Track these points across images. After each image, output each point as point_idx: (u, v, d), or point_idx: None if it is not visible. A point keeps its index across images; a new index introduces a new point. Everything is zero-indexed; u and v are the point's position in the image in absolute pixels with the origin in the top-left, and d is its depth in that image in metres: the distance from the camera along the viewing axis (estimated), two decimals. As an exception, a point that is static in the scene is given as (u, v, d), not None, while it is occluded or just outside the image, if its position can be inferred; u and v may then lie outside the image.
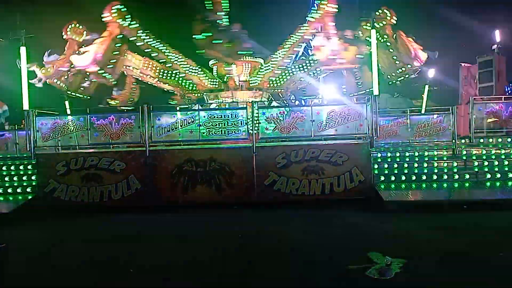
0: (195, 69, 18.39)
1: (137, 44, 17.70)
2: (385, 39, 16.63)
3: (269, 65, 18.48)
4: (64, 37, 16.76)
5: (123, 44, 17.17)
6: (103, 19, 16.83)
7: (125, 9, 16.98)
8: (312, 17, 17.57)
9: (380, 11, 16.73)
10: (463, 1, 26.41)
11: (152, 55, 18.08)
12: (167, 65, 18.44)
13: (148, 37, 17.63)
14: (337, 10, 16.97)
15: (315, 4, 18.13)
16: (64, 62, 16.32)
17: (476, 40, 24.30)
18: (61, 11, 20.39)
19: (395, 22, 16.83)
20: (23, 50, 12.71)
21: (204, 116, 11.70)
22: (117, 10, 16.72)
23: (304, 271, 5.92)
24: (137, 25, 17.34)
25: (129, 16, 17.02)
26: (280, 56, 18.21)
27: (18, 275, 6.25)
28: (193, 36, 17.38)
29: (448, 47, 24.89)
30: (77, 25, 16.74)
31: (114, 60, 16.69)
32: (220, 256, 6.85)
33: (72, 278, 6.04)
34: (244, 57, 18.57)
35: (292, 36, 18.12)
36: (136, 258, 6.83)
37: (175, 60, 18.13)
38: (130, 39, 17.46)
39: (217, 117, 11.67)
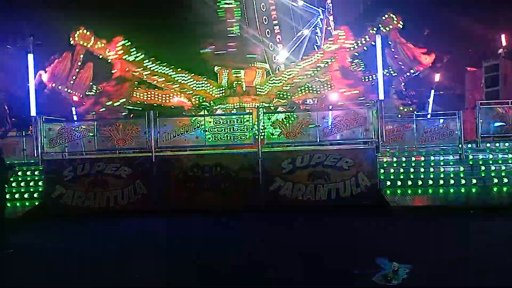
0: (201, 83, 18.46)
1: (145, 74, 17.82)
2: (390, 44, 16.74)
3: (280, 79, 18.57)
4: (71, 43, 16.94)
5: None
6: (108, 58, 17.07)
7: (129, 43, 17.16)
8: (328, 47, 17.70)
9: (386, 15, 16.83)
10: (469, 6, 26.33)
11: (159, 80, 18.19)
12: (174, 86, 18.51)
13: (153, 64, 17.73)
14: (351, 47, 17.17)
15: (331, 34, 18.47)
16: (65, 66, 16.55)
17: (482, 44, 24.23)
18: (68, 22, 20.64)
19: (401, 26, 16.90)
20: (30, 57, 12.83)
21: (210, 122, 11.73)
22: (122, 46, 16.92)
23: (310, 277, 5.91)
24: (142, 56, 17.48)
25: (134, 49, 17.21)
26: (292, 73, 18.33)
27: (25, 280, 6.29)
28: (200, 51, 17.58)
29: (454, 52, 24.85)
30: (85, 31, 16.92)
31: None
32: (224, 260, 6.84)
33: (79, 283, 6.06)
34: (256, 63, 18.71)
35: (307, 59, 18.33)
36: (143, 262, 6.85)
37: (182, 80, 18.22)
38: (136, 70, 17.59)
39: (223, 123, 11.71)
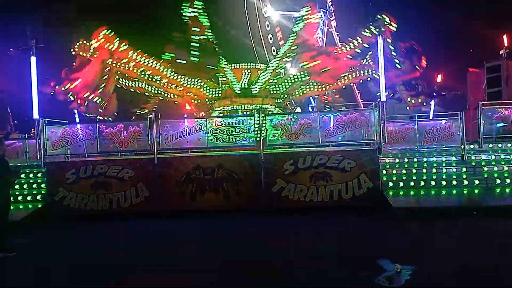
0: (193, 81, 18.28)
1: (129, 65, 17.64)
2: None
3: (265, 73, 18.45)
4: (73, 53, 17.00)
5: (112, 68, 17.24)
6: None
7: (113, 33, 17.08)
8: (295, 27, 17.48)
9: (378, 16, 16.75)
10: (471, 6, 26.35)
11: (147, 73, 18.02)
12: (162, 81, 18.35)
13: (140, 56, 17.59)
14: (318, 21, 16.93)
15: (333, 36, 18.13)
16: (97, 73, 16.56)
17: (484, 45, 24.22)
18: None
19: (395, 29, 16.75)
20: (33, 60, 12.87)
21: (212, 124, 11.75)
22: (104, 35, 16.81)
23: (313, 278, 5.90)
24: (127, 46, 17.38)
25: (117, 39, 17.06)
26: (274, 63, 18.14)
27: (29, 282, 6.30)
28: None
29: (456, 52, 24.85)
30: (85, 41, 16.98)
31: (103, 84, 16.77)
32: (228, 262, 6.84)
33: (83, 286, 6.07)
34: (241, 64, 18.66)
35: (284, 45, 18.04)
36: (143, 264, 6.85)
37: (171, 76, 18.02)
38: (123, 61, 17.45)
39: (224, 125, 11.73)
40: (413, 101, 17.26)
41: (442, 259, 6.53)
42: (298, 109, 20.28)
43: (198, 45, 16.69)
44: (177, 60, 16.84)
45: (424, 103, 17.38)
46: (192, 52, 16.60)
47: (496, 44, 21.75)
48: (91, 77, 16.26)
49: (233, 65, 18.74)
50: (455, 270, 6.02)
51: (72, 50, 16.74)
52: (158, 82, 17.86)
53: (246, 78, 18.47)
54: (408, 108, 16.75)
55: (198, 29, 16.79)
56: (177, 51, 16.95)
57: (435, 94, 18.94)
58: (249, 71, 18.83)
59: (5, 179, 7.88)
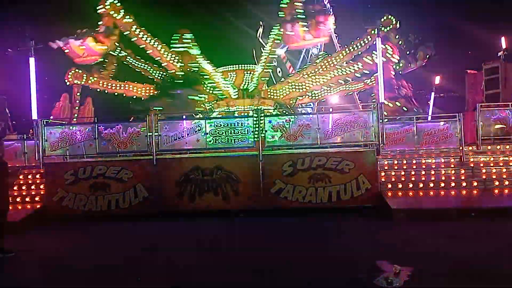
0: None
1: (132, 39, 17.80)
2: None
3: (294, 86, 18.56)
4: (67, 84, 17.54)
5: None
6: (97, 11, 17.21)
7: (119, 3, 17.33)
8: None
9: (385, 17, 16.94)
10: (469, 8, 26.43)
11: (148, 52, 18.11)
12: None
13: (143, 34, 17.72)
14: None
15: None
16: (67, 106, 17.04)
17: (482, 47, 24.28)
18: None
19: (398, 26, 17.01)
20: (32, 61, 12.86)
21: (211, 125, 11.77)
22: (111, 4, 17.13)
23: (312, 280, 5.91)
24: (131, 19, 17.54)
25: (123, 10, 17.38)
26: (264, 57, 18.21)
27: (27, 283, 6.30)
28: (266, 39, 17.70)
29: (454, 54, 24.91)
30: (78, 70, 17.45)
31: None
32: (227, 263, 6.85)
33: (80, 286, 6.07)
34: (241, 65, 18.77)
35: (269, 39, 18.09)
36: (143, 266, 6.85)
37: (171, 60, 18.06)
38: (124, 33, 17.63)
39: (223, 126, 11.73)
40: (390, 104, 17.03)
41: (441, 260, 6.55)
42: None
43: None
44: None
45: (405, 108, 17.28)
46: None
47: (494, 46, 21.81)
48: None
49: (225, 67, 18.84)
50: (453, 271, 6.04)
51: (66, 81, 17.37)
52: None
53: (233, 80, 18.62)
54: (385, 113, 16.64)
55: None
56: None
57: (414, 100, 18.48)
58: (234, 73, 18.98)
59: (4, 181, 7.88)
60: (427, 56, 17.16)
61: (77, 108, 18.18)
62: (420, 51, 17.07)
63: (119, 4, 17.38)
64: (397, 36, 17.29)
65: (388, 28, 16.96)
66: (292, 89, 18.58)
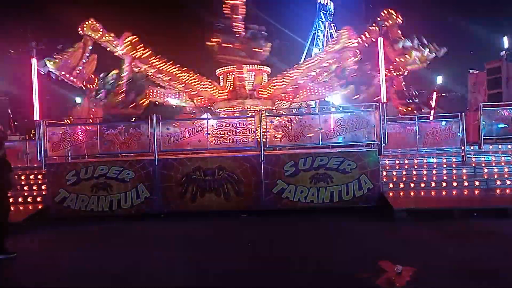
0: (205, 84, 18.43)
1: (150, 72, 17.85)
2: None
3: (282, 81, 18.51)
4: (80, 33, 17.04)
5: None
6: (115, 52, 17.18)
7: (137, 38, 17.23)
8: (331, 47, 17.65)
9: (384, 12, 16.86)
10: (471, 8, 26.39)
11: (165, 78, 18.22)
12: (178, 85, 18.49)
13: (160, 61, 17.77)
14: (356, 44, 17.15)
15: (333, 36, 18.40)
16: (75, 57, 16.59)
17: (484, 47, 24.25)
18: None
19: (401, 21, 16.92)
20: (34, 62, 12.90)
21: (213, 125, 11.77)
22: (130, 41, 16.99)
23: (314, 280, 5.91)
24: (149, 52, 17.56)
25: (141, 45, 17.27)
26: (294, 75, 18.29)
27: (29, 283, 6.31)
28: (206, 43, 17.51)
29: (457, 54, 24.87)
30: (94, 22, 17.03)
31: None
32: (229, 265, 6.84)
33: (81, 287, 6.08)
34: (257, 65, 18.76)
35: (310, 60, 18.30)
36: (144, 267, 6.85)
37: (187, 80, 18.20)
38: (143, 67, 17.66)
39: (225, 126, 11.74)
40: (404, 110, 17.51)
41: (443, 260, 6.54)
42: None
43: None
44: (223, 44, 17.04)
45: (415, 112, 17.40)
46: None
47: (496, 45, 21.79)
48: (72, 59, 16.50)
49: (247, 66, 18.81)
50: (455, 271, 6.03)
51: (79, 29, 16.87)
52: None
53: (264, 80, 18.65)
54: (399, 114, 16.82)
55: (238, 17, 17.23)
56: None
57: (422, 106, 18.88)
58: (253, 72, 18.97)
59: (6, 179, 7.90)
60: (426, 58, 17.09)
61: (83, 61, 17.51)
62: (419, 52, 16.99)
63: (136, 38, 17.24)
64: (399, 31, 17.15)
65: (389, 23, 16.81)
66: (282, 84, 18.57)
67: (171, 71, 17.96)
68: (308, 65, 18.38)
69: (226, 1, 17.73)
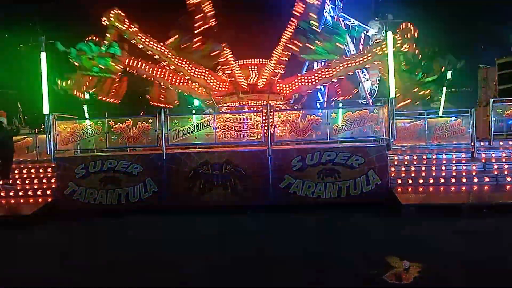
0: (200, 72, 18.32)
1: (140, 46, 17.86)
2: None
3: (270, 64, 18.45)
4: (105, 23, 17.12)
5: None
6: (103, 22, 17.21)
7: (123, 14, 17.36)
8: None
9: (403, 25, 16.47)
10: (482, 3, 26.03)
11: (155, 57, 18.16)
12: (178, 72, 18.47)
13: (149, 41, 17.76)
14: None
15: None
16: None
17: (495, 42, 23.94)
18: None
19: (416, 35, 16.59)
20: (43, 56, 12.95)
21: (220, 119, 11.78)
22: (115, 14, 17.16)
23: (321, 275, 5.90)
24: (136, 29, 17.64)
25: (127, 20, 17.45)
26: (277, 54, 18.18)
27: (37, 276, 6.37)
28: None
29: (467, 49, 24.59)
30: (120, 12, 17.15)
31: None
32: (235, 260, 6.86)
33: (91, 280, 6.13)
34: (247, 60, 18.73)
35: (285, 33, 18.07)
36: (154, 260, 6.90)
37: (178, 63, 18.11)
38: (132, 41, 17.68)
39: (233, 120, 11.74)
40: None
41: (451, 256, 6.49)
42: None
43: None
44: (182, 46, 17.02)
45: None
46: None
47: (507, 40, 21.51)
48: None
49: (240, 61, 18.82)
50: (463, 268, 5.99)
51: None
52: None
53: (254, 73, 18.56)
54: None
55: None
56: (181, 36, 17.14)
57: None
58: (255, 67, 18.91)
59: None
60: (442, 68, 16.76)
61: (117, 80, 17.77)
62: (435, 63, 16.65)
63: (123, 14, 17.42)
64: (414, 45, 16.82)
65: (407, 36, 16.50)
66: (302, 84, 18.51)
67: (162, 51, 17.94)
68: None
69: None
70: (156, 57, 18.15)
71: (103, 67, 16.76)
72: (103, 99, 17.50)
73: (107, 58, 16.73)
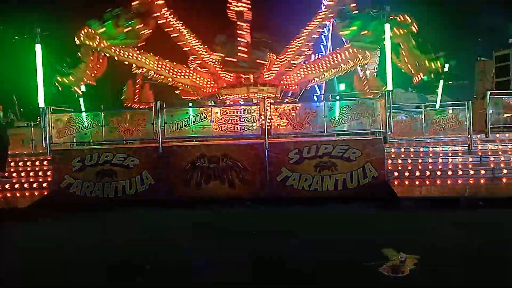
0: (184, 72, 18.24)
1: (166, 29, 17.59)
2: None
3: (283, 58, 18.32)
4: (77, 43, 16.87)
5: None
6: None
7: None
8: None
9: (401, 17, 16.33)
10: (479, -6, 25.97)
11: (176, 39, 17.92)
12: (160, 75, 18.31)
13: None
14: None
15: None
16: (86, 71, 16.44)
17: (493, 34, 23.88)
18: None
19: (415, 30, 16.44)
20: (38, 47, 12.84)
21: (217, 112, 11.74)
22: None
23: (318, 268, 5.90)
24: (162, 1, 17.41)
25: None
26: (294, 48, 18.08)
27: (33, 270, 6.36)
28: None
29: (464, 41, 24.54)
30: (90, 30, 16.69)
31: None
32: (233, 252, 6.86)
33: (86, 274, 6.11)
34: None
35: (307, 27, 17.98)
36: (151, 254, 6.89)
37: (194, 45, 17.98)
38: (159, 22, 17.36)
39: (229, 113, 11.70)
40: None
41: (447, 249, 6.51)
42: None
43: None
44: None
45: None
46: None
47: (505, 32, 21.44)
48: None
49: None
50: (460, 260, 6.01)
51: (76, 39, 16.63)
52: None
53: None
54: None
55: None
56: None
57: None
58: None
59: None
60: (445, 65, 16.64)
61: (136, 91, 17.80)
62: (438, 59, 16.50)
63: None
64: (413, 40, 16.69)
65: (405, 29, 16.36)
66: (304, 73, 18.40)
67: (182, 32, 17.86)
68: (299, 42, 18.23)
69: (232, 8, 17.56)
70: (175, 35, 17.94)
71: (130, 28, 16.41)
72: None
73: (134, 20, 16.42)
